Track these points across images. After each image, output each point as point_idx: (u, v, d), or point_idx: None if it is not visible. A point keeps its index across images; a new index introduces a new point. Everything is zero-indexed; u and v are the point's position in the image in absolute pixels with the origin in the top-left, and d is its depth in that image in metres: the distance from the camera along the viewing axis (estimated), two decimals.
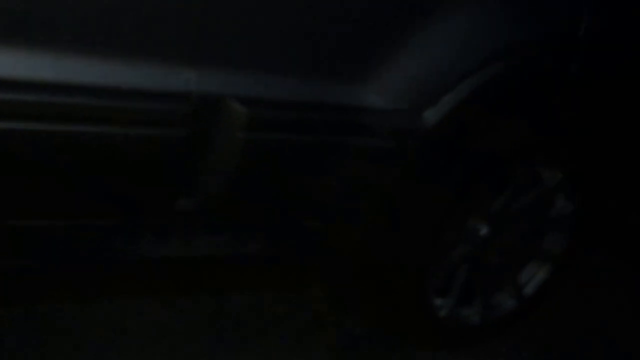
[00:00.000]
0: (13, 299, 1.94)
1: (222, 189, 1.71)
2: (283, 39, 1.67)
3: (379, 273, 2.12)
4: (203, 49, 1.60)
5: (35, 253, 1.67)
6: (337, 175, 1.81)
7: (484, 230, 2.24)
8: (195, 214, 1.73)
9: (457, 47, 1.86)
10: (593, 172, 2.34)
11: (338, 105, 1.77)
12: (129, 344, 2.10)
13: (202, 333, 2.21)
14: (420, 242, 2.07)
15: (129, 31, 1.52)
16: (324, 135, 1.76)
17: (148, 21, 1.52)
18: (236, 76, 1.65)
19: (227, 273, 1.94)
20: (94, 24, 1.49)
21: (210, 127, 1.64)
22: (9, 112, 1.46)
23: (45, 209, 1.63)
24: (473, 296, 2.34)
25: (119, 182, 1.63)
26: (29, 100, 1.47)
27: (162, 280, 1.90)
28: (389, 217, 1.99)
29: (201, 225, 1.77)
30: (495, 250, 2.30)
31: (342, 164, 1.80)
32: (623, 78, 2.22)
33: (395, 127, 1.83)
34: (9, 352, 1.98)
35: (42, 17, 1.44)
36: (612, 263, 2.96)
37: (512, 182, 2.22)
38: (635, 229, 2.85)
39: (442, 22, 1.82)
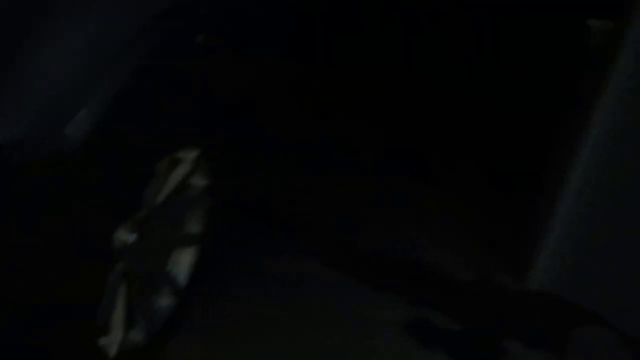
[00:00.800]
0: None
1: None
2: None
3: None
4: None
5: None
6: None
7: (132, 238, 1.88)
8: None
9: (87, 49, 1.47)
10: (225, 147, 2.17)
11: None
12: None
13: None
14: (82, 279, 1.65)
15: None
16: None
17: None
18: None
19: None
20: None
21: None
22: None
23: None
24: (134, 315, 1.99)
25: None
26: None
27: None
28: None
29: None
30: (146, 254, 1.97)
31: None
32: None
33: (36, 157, 1.35)
34: None
35: None
36: None
37: (155, 175, 1.89)
38: None
39: (67, 28, 1.47)
